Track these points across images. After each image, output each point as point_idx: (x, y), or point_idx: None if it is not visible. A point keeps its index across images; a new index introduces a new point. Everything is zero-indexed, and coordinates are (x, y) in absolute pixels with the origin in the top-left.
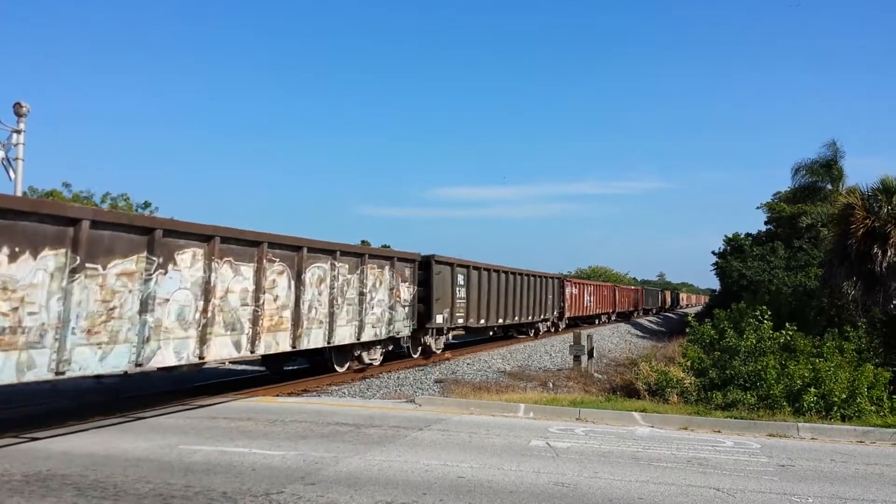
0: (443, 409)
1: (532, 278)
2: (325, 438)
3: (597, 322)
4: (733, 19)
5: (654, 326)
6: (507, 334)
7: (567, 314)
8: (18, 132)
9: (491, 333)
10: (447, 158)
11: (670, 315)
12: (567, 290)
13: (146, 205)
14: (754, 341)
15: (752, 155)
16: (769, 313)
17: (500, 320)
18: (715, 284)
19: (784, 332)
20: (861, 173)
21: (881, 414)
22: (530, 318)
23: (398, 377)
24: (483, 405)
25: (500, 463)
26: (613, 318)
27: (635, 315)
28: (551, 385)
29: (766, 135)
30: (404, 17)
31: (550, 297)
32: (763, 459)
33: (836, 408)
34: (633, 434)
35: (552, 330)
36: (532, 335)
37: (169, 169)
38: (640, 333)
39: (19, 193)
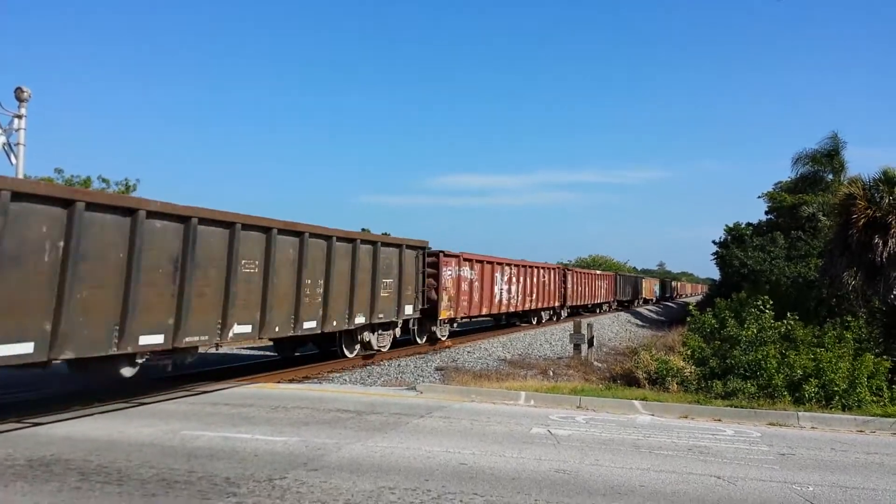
0: (444, 396)
1: (324, 242)
2: (326, 425)
3: (534, 322)
4: (733, 18)
5: (654, 316)
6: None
7: (451, 313)
8: (20, 117)
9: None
10: (448, 147)
11: (670, 304)
12: (445, 273)
13: (127, 185)
14: (755, 331)
15: (753, 145)
16: (771, 303)
17: (165, 343)
18: (715, 274)
19: (785, 321)
20: (861, 163)
21: (881, 403)
22: (320, 325)
23: (399, 365)
24: (484, 393)
25: (502, 450)
26: (565, 314)
27: (603, 309)
28: (551, 373)
29: (767, 127)
30: (406, 11)
31: (392, 281)
32: (763, 448)
33: (836, 397)
34: (634, 422)
35: (418, 340)
36: (351, 354)
37: (167, 161)
38: (640, 322)
39: (21, 178)
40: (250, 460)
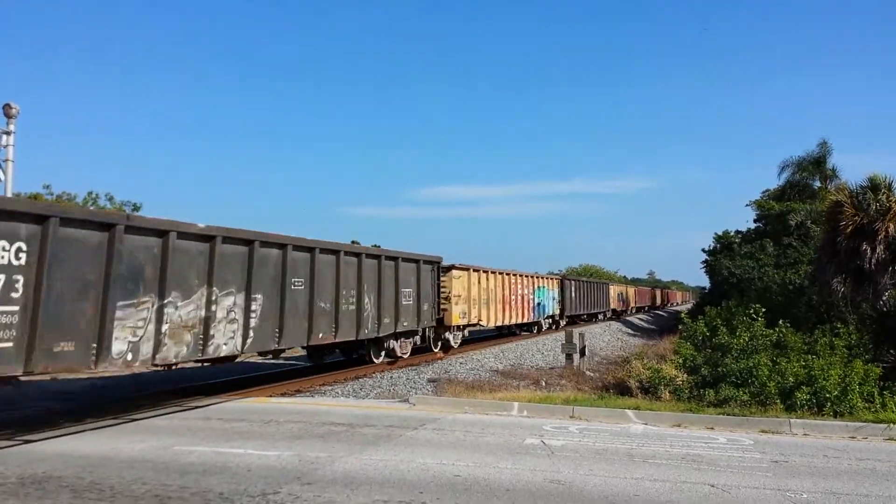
0: (437, 408)
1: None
2: (320, 438)
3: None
4: (720, 27)
5: (645, 325)
6: None
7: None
8: (8, 133)
9: None
10: (436, 158)
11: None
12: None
13: (135, 207)
14: (747, 339)
15: (741, 153)
16: (763, 310)
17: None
18: (706, 282)
19: (776, 329)
20: (850, 170)
21: (872, 409)
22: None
23: (392, 377)
24: (477, 404)
25: (496, 461)
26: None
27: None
28: (544, 383)
29: (755, 134)
30: (393, 23)
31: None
32: (756, 455)
33: (828, 404)
34: (627, 431)
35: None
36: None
37: (156, 175)
38: (631, 331)
39: (9, 195)
40: (243, 475)
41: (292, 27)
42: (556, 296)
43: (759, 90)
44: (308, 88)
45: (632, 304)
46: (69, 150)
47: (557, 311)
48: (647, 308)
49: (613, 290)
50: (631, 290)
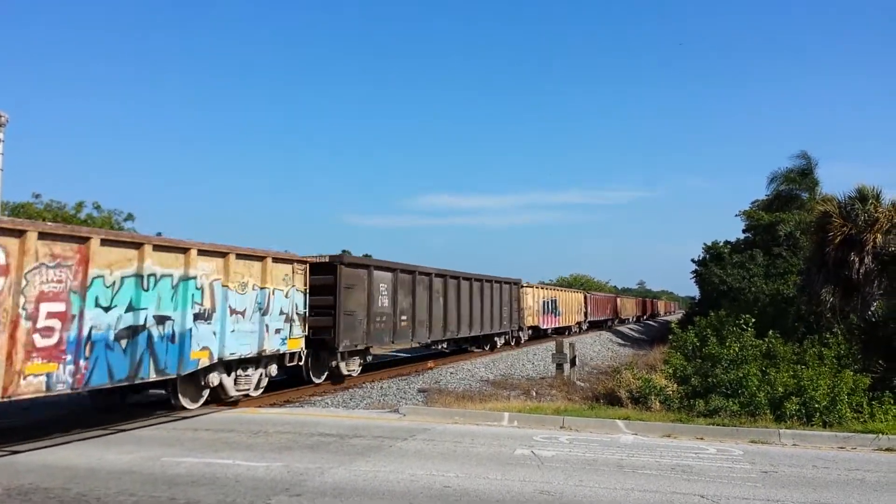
0: (427, 418)
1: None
2: (309, 449)
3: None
4: (714, 37)
5: (636, 335)
6: None
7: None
8: None
9: None
10: (431, 168)
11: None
12: (527, 297)
13: (129, 216)
14: (737, 349)
15: (732, 164)
16: (753, 320)
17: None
18: (696, 292)
19: (766, 339)
20: (841, 179)
21: (861, 420)
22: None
23: (382, 387)
24: (467, 414)
25: (486, 472)
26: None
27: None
28: (534, 393)
29: (746, 144)
30: (387, 30)
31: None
32: (746, 466)
33: (817, 414)
34: (617, 442)
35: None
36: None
37: (150, 182)
38: (622, 341)
39: None
40: (232, 486)
41: (289, 31)
42: (297, 306)
43: (757, 92)
44: (301, 91)
45: (577, 319)
46: (69, 155)
47: (300, 344)
48: (609, 322)
49: (532, 296)
50: (576, 297)
